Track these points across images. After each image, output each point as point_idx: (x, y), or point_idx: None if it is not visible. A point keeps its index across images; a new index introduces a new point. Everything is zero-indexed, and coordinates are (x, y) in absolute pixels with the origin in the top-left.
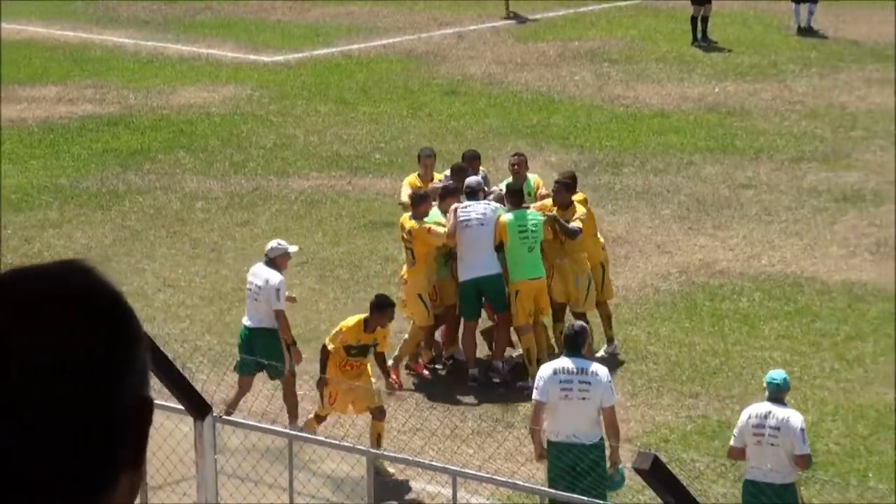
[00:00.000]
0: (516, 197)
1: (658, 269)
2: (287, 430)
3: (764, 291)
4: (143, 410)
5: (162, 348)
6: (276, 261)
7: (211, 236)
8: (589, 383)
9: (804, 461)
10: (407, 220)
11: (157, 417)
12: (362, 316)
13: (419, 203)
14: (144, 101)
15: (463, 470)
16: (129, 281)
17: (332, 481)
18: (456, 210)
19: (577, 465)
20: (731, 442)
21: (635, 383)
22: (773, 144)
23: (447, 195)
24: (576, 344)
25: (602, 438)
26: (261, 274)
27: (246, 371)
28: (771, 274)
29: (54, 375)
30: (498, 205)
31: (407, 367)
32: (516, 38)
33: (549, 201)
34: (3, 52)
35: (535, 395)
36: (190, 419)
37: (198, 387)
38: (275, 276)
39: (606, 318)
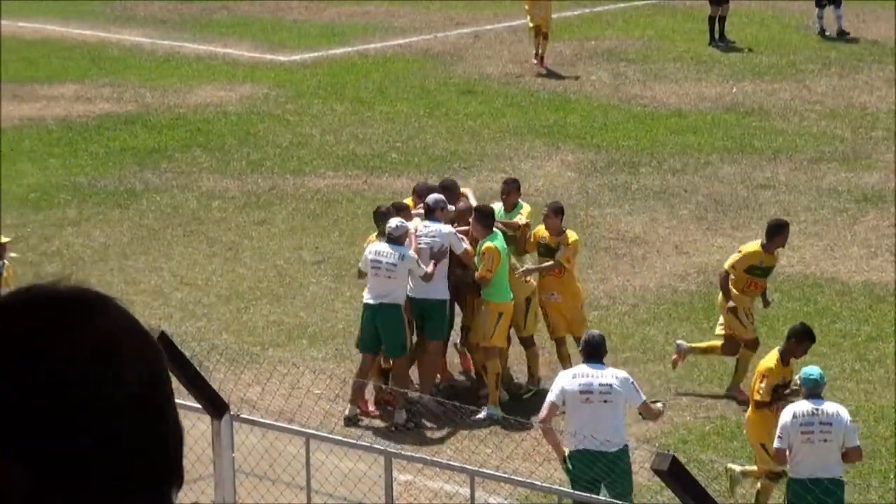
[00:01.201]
0: (488, 219)
1: (676, 270)
2: (304, 429)
3: (783, 292)
4: None
5: (179, 347)
6: (399, 238)
7: (228, 235)
8: (610, 387)
9: (858, 453)
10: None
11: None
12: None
13: (380, 220)
14: (161, 100)
15: (481, 469)
16: (147, 279)
17: (350, 480)
18: (416, 230)
19: (603, 474)
20: (776, 444)
21: (653, 384)
22: (791, 144)
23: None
24: (598, 352)
25: (626, 446)
26: (391, 252)
27: (369, 348)
28: (790, 275)
29: None
30: (450, 228)
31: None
32: (532, 38)
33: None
34: (22, 51)
35: (548, 397)
36: (207, 417)
37: (215, 385)
38: (406, 249)
39: (534, 357)
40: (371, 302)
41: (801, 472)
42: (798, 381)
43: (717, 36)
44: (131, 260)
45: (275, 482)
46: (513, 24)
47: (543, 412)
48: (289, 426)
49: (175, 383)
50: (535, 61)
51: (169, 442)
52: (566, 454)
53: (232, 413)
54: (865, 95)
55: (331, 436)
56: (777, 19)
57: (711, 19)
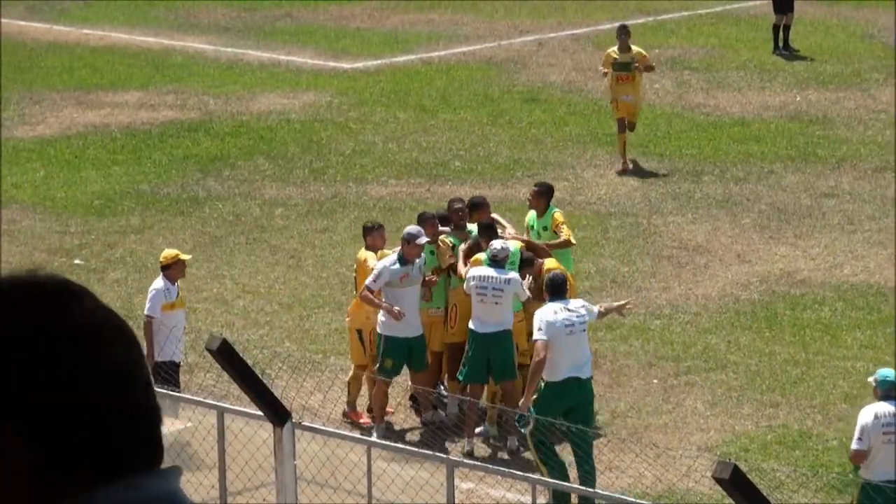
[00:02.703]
0: (488, 232)
1: (738, 279)
2: (366, 438)
3: (846, 301)
4: None
5: (241, 354)
6: (503, 261)
7: (290, 243)
8: (584, 316)
9: None
10: (362, 250)
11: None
12: None
13: (368, 233)
14: (224, 108)
15: (543, 478)
16: (209, 287)
17: (411, 488)
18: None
19: (576, 400)
20: (855, 445)
21: (715, 392)
22: (856, 153)
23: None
24: (562, 289)
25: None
26: (496, 276)
27: (480, 378)
28: (854, 283)
29: None
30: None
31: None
32: (596, 46)
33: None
34: (87, 57)
35: (541, 337)
36: (269, 425)
37: (277, 393)
38: (510, 273)
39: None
40: (485, 331)
41: (879, 475)
42: (873, 383)
43: (781, 44)
44: (193, 268)
45: (336, 490)
46: (576, 31)
47: (541, 353)
48: (350, 434)
49: (237, 391)
50: (621, 162)
51: (153, 420)
52: (541, 387)
53: (294, 421)
54: None
55: (392, 444)
56: (842, 27)
57: (776, 28)
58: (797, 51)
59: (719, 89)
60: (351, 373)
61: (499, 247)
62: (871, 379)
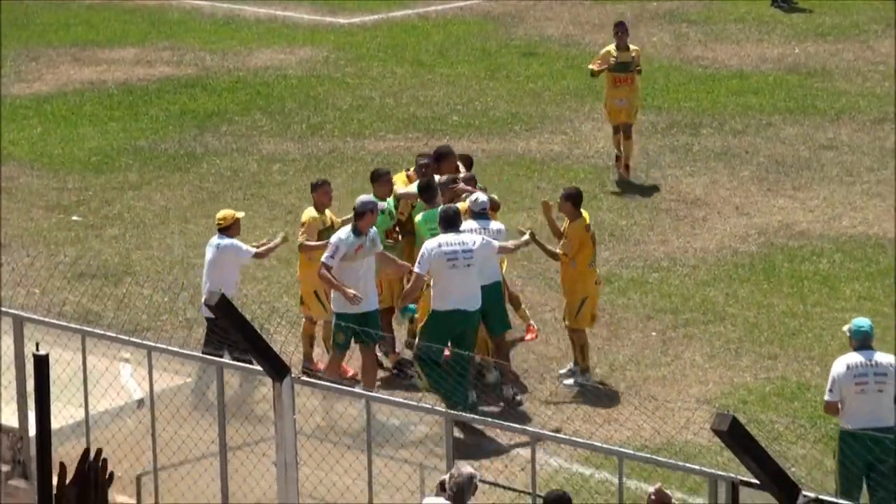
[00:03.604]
0: (428, 193)
1: (737, 231)
2: (365, 392)
3: (845, 253)
4: None
5: (240, 310)
6: (484, 213)
7: (288, 198)
8: (472, 252)
9: None
10: (308, 209)
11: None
12: None
13: (313, 190)
14: (221, 63)
15: (542, 432)
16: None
17: (411, 442)
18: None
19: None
20: (828, 397)
21: (713, 344)
22: (854, 105)
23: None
24: (454, 222)
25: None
26: (479, 227)
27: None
28: (852, 235)
29: None
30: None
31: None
32: None
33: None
34: (83, 14)
35: (417, 269)
36: (268, 380)
37: (276, 348)
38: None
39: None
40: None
41: (854, 423)
42: (848, 333)
43: None
44: (192, 223)
45: (335, 444)
46: None
47: (413, 282)
48: (349, 388)
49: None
50: (616, 167)
51: None
52: (428, 315)
53: (293, 375)
54: None
55: (392, 398)
56: None
57: None
58: (795, 3)
59: (717, 42)
60: (302, 328)
61: (482, 199)
62: (845, 328)
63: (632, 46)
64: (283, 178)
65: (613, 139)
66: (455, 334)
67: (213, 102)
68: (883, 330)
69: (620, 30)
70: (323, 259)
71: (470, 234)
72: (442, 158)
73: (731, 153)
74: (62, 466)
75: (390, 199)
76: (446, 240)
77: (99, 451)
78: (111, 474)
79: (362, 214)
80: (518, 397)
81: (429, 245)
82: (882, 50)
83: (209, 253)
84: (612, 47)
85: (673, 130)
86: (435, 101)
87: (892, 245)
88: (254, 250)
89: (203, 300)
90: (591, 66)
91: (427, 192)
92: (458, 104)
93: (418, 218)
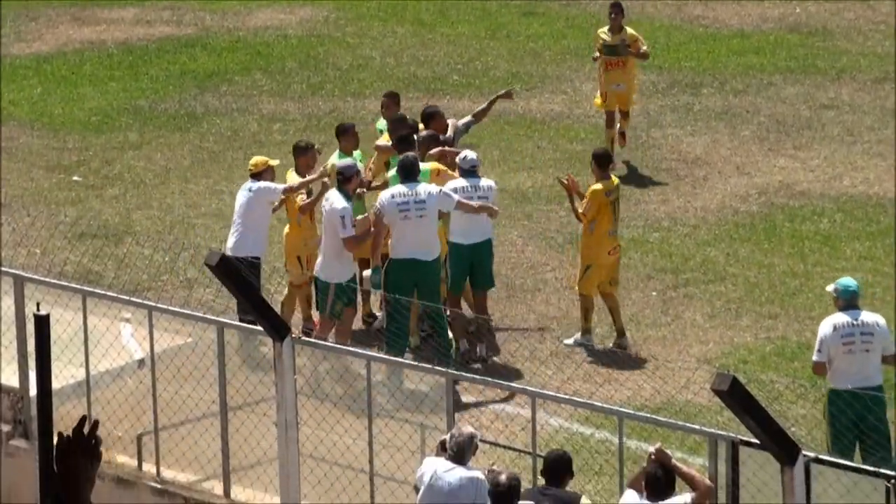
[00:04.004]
0: (404, 144)
1: (737, 191)
2: (365, 352)
3: (845, 212)
4: None
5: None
6: (476, 171)
7: (289, 158)
8: (424, 203)
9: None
10: (291, 172)
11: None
12: None
13: (299, 155)
14: (221, 23)
15: (542, 391)
16: (207, 202)
17: (412, 402)
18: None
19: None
20: (815, 357)
21: (714, 304)
22: (855, 65)
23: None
24: (412, 173)
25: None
26: (471, 185)
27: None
28: (853, 195)
29: None
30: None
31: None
32: None
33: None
34: None
35: (384, 220)
36: (269, 340)
37: (277, 309)
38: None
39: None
40: (470, 242)
41: (842, 383)
42: (834, 293)
43: None
44: (192, 183)
45: (336, 404)
46: None
47: (374, 236)
48: (350, 348)
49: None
50: (618, 141)
51: None
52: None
53: (293, 336)
54: None
55: (392, 358)
56: None
57: None
58: None
59: (718, 1)
60: (286, 292)
61: (471, 157)
62: (829, 288)
63: (628, 30)
64: (284, 137)
65: (606, 134)
66: (413, 283)
67: (213, 62)
68: (883, 290)
69: (614, 11)
70: (345, 235)
71: (425, 186)
72: (430, 119)
73: (732, 113)
74: (60, 435)
75: (357, 153)
76: (399, 191)
77: (95, 424)
78: (98, 441)
79: (350, 179)
80: (490, 355)
81: (382, 196)
82: (883, 9)
83: (241, 197)
84: (604, 30)
85: (674, 90)
86: (435, 61)
87: (893, 205)
88: (283, 186)
89: (203, 260)
90: (595, 54)
91: (403, 144)
92: (458, 64)
93: (391, 173)
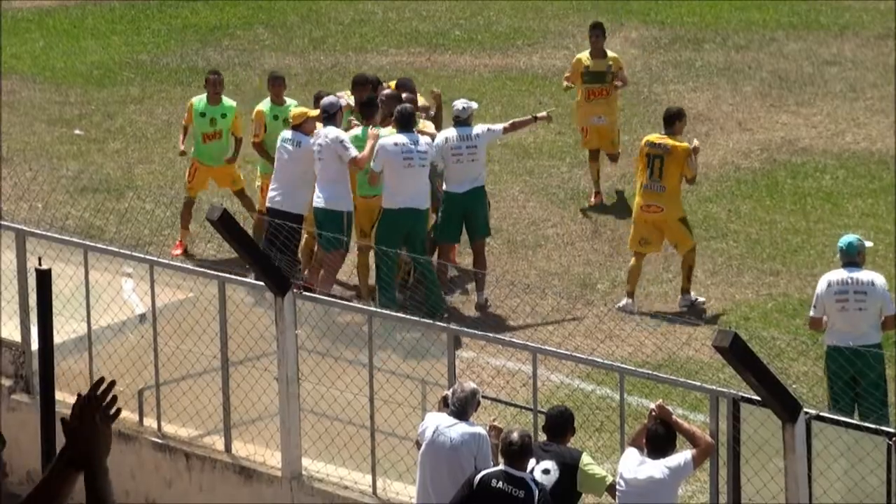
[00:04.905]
0: (369, 108)
1: (739, 147)
2: (366, 307)
3: (848, 169)
4: None
5: (242, 224)
6: (468, 121)
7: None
8: (426, 154)
9: (894, 321)
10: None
11: (239, 293)
12: None
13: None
14: None
15: (543, 347)
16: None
17: (413, 357)
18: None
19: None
20: (811, 312)
21: (715, 261)
22: (858, 20)
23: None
24: (408, 122)
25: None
26: (461, 134)
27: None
28: (855, 151)
29: None
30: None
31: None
32: None
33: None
34: None
35: (372, 165)
36: (271, 295)
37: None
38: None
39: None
40: (462, 190)
41: (837, 340)
42: (837, 250)
43: None
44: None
45: (337, 359)
46: None
47: (372, 175)
48: (351, 304)
49: (241, 262)
50: (593, 193)
51: None
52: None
53: (294, 291)
54: None
55: (394, 313)
56: None
57: None
58: None
59: None
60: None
61: (460, 106)
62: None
63: (609, 53)
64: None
65: (590, 167)
66: (405, 233)
67: (215, 16)
68: (886, 246)
69: (595, 33)
70: (353, 155)
71: (424, 137)
72: (402, 88)
73: (734, 69)
74: (78, 396)
75: (290, 101)
76: (402, 139)
77: (111, 384)
78: (115, 407)
79: (334, 115)
80: (487, 303)
81: (385, 142)
82: None
83: (281, 151)
84: (585, 54)
85: (676, 45)
86: (437, 16)
87: (895, 161)
88: (353, 153)
89: (205, 215)
90: (564, 83)
91: (367, 107)
92: (460, 18)
93: (355, 132)
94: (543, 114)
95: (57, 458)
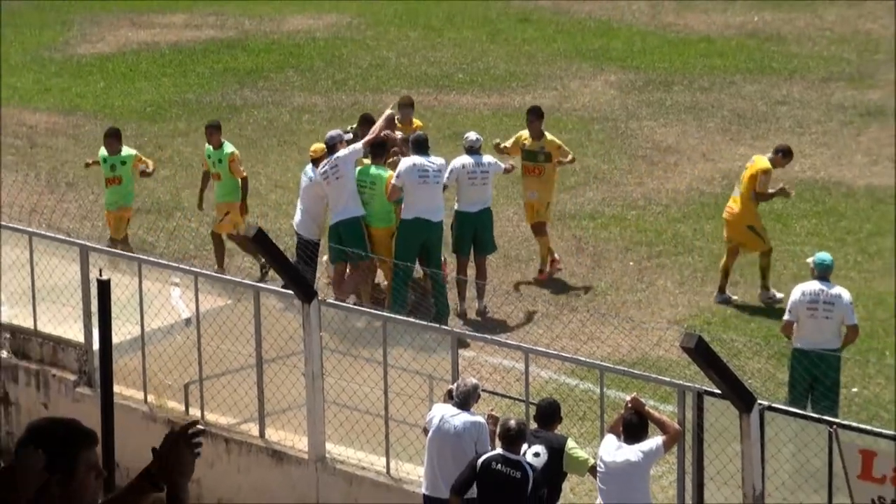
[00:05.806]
0: (367, 124)
1: (704, 175)
2: (382, 313)
3: (796, 194)
4: None
5: (275, 241)
6: (479, 149)
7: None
8: (439, 172)
9: (855, 331)
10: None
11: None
12: None
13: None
14: (258, 27)
15: (534, 347)
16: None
17: (422, 356)
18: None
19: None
20: (785, 317)
21: (683, 273)
22: (805, 66)
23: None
24: (423, 146)
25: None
26: (476, 162)
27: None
28: (802, 179)
29: None
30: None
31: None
32: None
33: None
34: None
35: (394, 181)
36: (298, 302)
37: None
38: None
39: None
40: (473, 210)
41: (804, 343)
42: (812, 265)
43: None
44: None
45: (356, 358)
46: None
47: (391, 193)
48: (369, 310)
49: (272, 273)
50: (550, 262)
51: None
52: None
53: (319, 298)
54: (870, 23)
55: (405, 318)
56: None
57: None
58: None
59: (688, 10)
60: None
61: (473, 137)
62: (809, 260)
63: (548, 136)
64: (312, 127)
65: (539, 242)
66: (421, 242)
67: (252, 61)
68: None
69: (531, 117)
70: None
71: (438, 158)
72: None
73: (699, 107)
74: (171, 428)
75: (227, 144)
76: (420, 161)
77: (201, 430)
78: (201, 442)
79: (334, 146)
80: (486, 309)
81: (405, 162)
82: (829, 18)
83: (303, 181)
84: (526, 132)
85: (649, 87)
86: (443, 61)
87: (836, 188)
88: (361, 143)
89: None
90: (503, 145)
91: (378, 147)
92: (463, 64)
93: (358, 168)
94: (508, 165)
95: (140, 474)
